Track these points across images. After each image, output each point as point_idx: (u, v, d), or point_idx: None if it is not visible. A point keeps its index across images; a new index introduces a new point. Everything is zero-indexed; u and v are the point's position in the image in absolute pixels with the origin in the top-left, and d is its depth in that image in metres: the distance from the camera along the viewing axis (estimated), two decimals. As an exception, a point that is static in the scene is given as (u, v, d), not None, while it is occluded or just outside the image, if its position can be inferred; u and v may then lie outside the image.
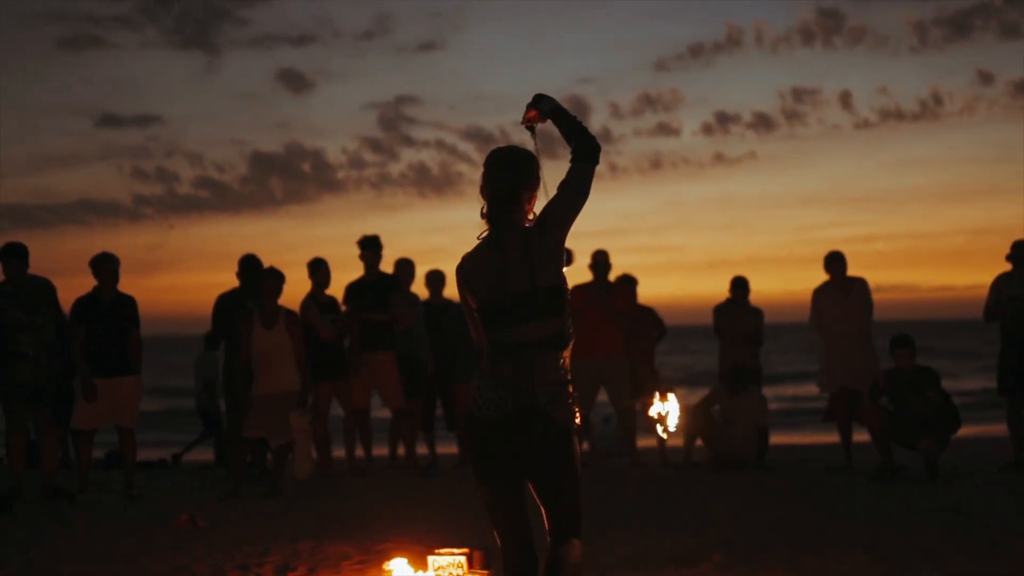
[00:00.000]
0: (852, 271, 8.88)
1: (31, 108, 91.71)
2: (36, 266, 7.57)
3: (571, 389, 3.10)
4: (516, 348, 3.04)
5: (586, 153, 3.11)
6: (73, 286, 7.68)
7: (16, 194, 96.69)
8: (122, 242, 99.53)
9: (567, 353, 3.10)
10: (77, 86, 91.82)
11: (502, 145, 3.20)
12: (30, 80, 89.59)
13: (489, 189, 3.10)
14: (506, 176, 3.10)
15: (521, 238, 3.07)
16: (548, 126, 3.24)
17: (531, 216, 3.13)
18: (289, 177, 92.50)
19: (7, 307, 7.38)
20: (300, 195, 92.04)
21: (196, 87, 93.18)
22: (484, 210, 3.13)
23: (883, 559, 5.06)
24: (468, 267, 3.13)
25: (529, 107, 3.23)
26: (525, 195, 3.12)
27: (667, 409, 5.12)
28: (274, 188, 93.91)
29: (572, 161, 3.13)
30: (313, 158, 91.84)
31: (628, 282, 9.56)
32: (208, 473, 9.36)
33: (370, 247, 8.81)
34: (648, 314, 9.61)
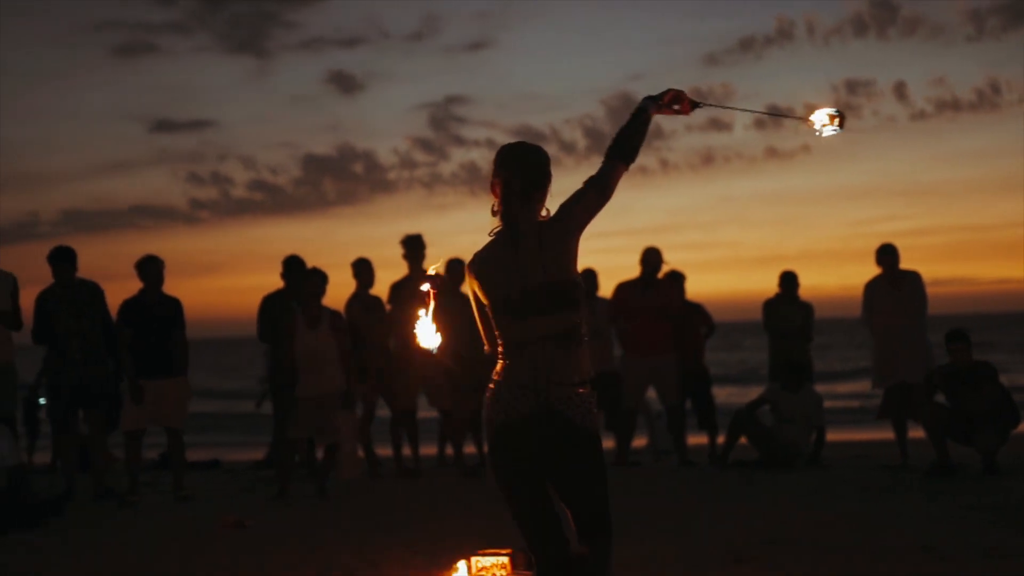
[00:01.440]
0: (908, 265, 8.67)
1: (87, 115, 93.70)
2: (92, 270, 7.71)
3: (586, 390, 3.02)
4: (528, 344, 2.98)
5: (621, 151, 3.07)
6: (129, 290, 7.85)
7: (73, 199, 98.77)
8: (178, 246, 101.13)
9: (584, 352, 3.03)
10: (132, 92, 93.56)
11: (515, 141, 3.16)
12: (86, 87, 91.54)
13: (501, 185, 3.06)
14: (518, 172, 3.05)
15: (534, 233, 3.02)
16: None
17: (544, 211, 3.08)
18: (341, 178, 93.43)
19: (56, 311, 7.49)
20: (352, 196, 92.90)
21: (248, 91, 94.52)
22: (495, 207, 3.09)
23: (940, 559, 4.91)
24: (480, 263, 3.08)
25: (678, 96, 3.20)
26: (538, 190, 3.07)
27: None
28: (326, 190, 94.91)
29: (604, 157, 3.09)
30: (364, 159, 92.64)
31: (676, 278, 9.43)
32: (257, 473, 9.40)
33: (413, 246, 8.78)
34: (697, 310, 9.48)
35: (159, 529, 6.41)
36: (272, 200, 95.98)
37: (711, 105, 3.27)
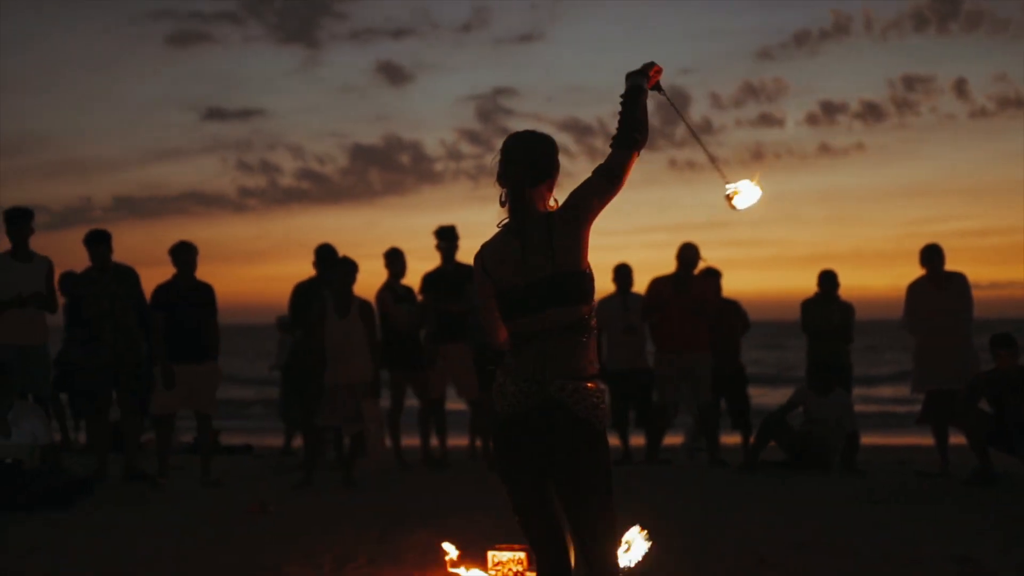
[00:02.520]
0: (966, 266, 8.46)
1: (140, 103, 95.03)
2: (142, 255, 7.78)
3: (594, 385, 2.93)
4: (535, 336, 2.91)
5: (626, 139, 2.94)
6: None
7: (126, 186, 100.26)
8: (225, 233, 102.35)
9: (592, 346, 2.94)
10: (184, 81, 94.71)
11: (522, 130, 3.07)
12: (139, 76, 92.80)
13: (508, 175, 2.98)
14: (525, 161, 2.97)
15: (543, 223, 2.94)
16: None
17: (552, 201, 3.01)
18: (388, 169, 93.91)
19: (90, 293, 7.53)
20: (399, 186, 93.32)
21: (298, 81, 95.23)
22: (503, 197, 3.01)
23: (974, 571, 4.74)
24: (488, 255, 3.01)
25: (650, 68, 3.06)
26: (545, 180, 2.99)
27: None
28: (373, 180, 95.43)
29: (611, 146, 2.97)
30: (411, 150, 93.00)
31: (712, 275, 9.29)
32: (285, 460, 9.42)
33: (446, 237, 8.72)
34: (733, 307, 9.32)
35: (183, 512, 6.44)
36: (319, 189, 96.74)
37: (666, 97, 3.12)
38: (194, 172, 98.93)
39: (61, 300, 7.78)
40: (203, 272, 7.86)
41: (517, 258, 2.93)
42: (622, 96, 3.00)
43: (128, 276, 7.67)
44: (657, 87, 3.09)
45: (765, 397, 19.22)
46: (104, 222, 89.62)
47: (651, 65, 3.06)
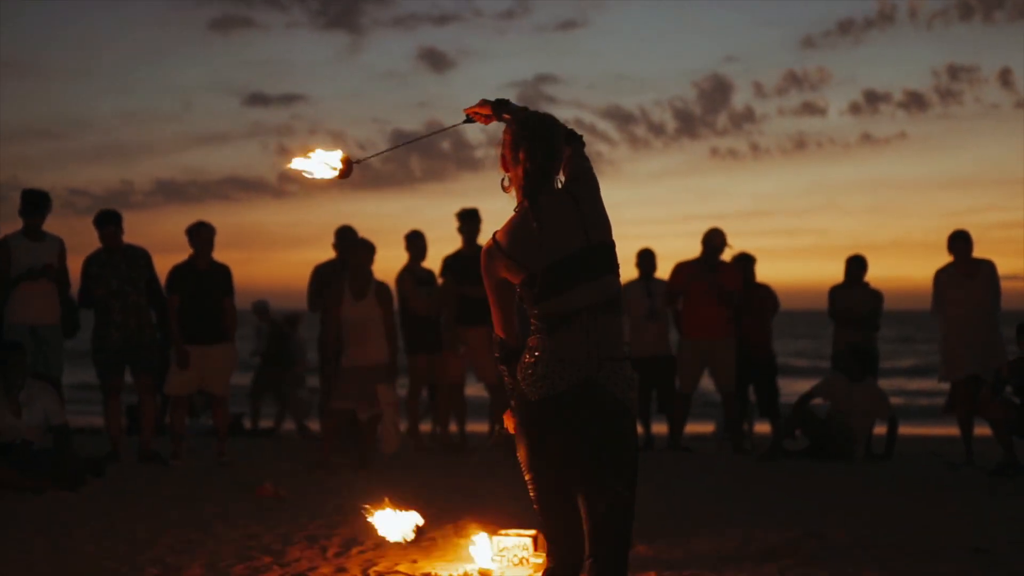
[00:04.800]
0: (1008, 258, 8.32)
1: (184, 88, 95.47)
2: (182, 241, 7.77)
3: (629, 367, 2.91)
4: (576, 316, 2.84)
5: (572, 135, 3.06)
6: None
7: (168, 170, 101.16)
8: (266, 218, 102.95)
9: (622, 323, 2.94)
10: (227, 66, 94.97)
11: (531, 111, 3.04)
12: (183, 61, 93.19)
13: (534, 154, 2.91)
14: (548, 139, 2.94)
15: (566, 198, 2.91)
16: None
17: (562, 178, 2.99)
18: (428, 155, 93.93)
19: (100, 273, 7.52)
20: (439, 173, 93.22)
21: (340, 66, 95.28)
22: (505, 182, 2.98)
23: (991, 563, 4.61)
24: (509, 239, 2.90)
25: (485, 103, 3.12)
26: (559, 161, 2.97)
27: None
28: (414, 166, 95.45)
29: (567, 143, 3.03)
30: (452, 137, 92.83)
31: (745, 260, 9.10)
32: (302, 442, 9.42)
33: (468, 220, 8.64)
34: (765, 291, 9.16)
35: (194, 493, 6.43)
36: (360, 175, 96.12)
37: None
38: (235, 157, 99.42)
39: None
40: (243, 256, 7.94)
41: (547, 236, 2.86)
42: (496, 114, 3.12)
43: (139, 257, 7.64)
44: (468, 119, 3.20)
45: (799, 387, 18.97)
46: (145, 207, 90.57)
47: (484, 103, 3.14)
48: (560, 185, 2.96)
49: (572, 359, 2.82)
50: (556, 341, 2.83)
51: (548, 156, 2.91)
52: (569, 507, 2.90)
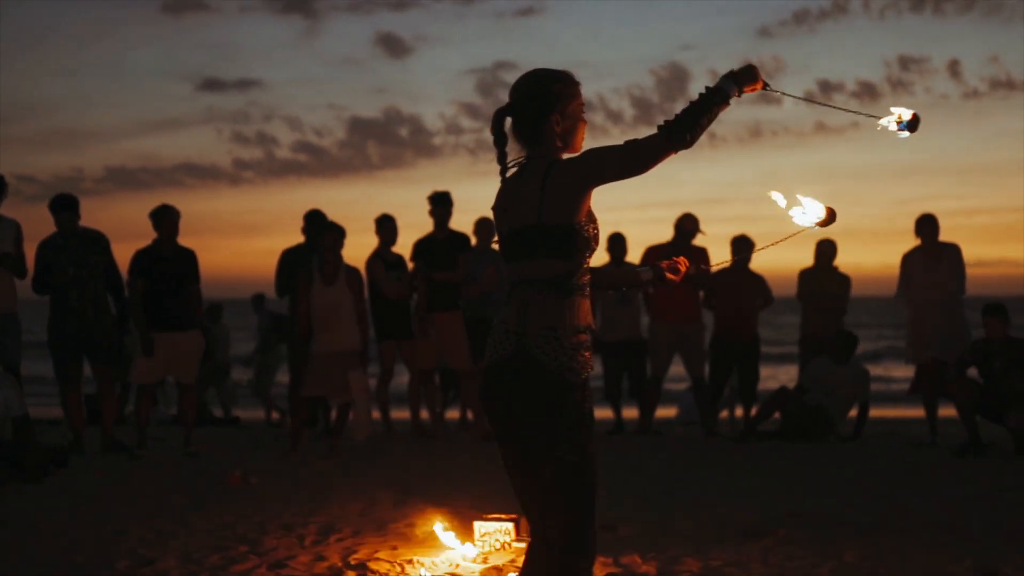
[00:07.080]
0: (963, 245, 8.31)
1: (135, 72, 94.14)
2: (136, 227, 7.65)
3: (578, 340, 2.72)
4: (516, 287, 2.77)
5: (674, 133, 2.67)
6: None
7: (119, 157, 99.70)
8: (221, 205, 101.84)
9: (578, 304, 2.74)
10: (180, 51, 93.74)
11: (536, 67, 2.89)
12: (134, 45, 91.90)
13: (514, 110, 2.81)
14: (516, 103, 2.81)
15: (541, 169, 2.75)
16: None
17: (560, 144, 2.81)
18: (386, 142, 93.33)
19: (56, 260, 7.29)
20: (397, 160, 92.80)
21: (296, 52, 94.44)
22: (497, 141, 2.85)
23: (963, 539, 4.67)
24: (497, 194, 2.85)
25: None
26: (542, 119, 2.79)
27: None
28: (371, 153, 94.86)
29: (659, 127, 2.71)
30: (410, 123, 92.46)
31: (742, 243, 8.97)
32: (270, 430, 9.33)
33: (440, 204, 8.57)
34: (756, 280, 9.13)
35: (162, 483, 6.32)
36: (316, 162, 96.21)
37: (782, 93, 2.96)
38: (189, 143, 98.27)
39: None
40: (197, 245, 7.72)
41: (510, 202, 2.79)
42: (705, 89, 2.77)
43: (97, 242, 7.43)
44: (765, 86, 2.92)
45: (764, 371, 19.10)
46: (95, 193, 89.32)
47: (753, 75, 2.85)
48: (570, 150, 2.83)
49: (511, 328, 2.73)
50: (505, 309, 2.78)
51: (526, 118, 2.79)
52: (529, 481, 2.80)
